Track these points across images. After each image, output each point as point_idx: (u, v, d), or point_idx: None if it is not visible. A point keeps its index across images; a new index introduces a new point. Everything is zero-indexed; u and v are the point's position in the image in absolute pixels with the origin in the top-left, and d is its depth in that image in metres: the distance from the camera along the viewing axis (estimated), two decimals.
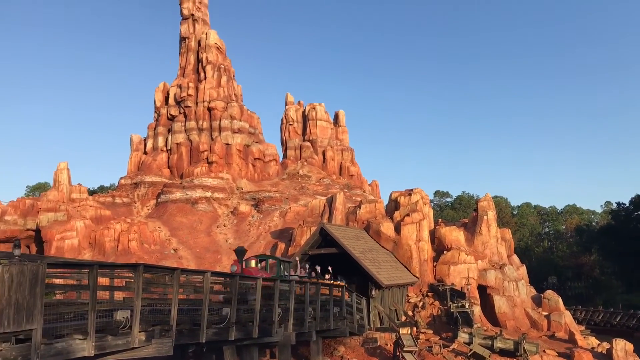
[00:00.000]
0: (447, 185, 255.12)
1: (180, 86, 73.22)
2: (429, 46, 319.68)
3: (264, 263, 29.97)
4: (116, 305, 12.67)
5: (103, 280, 14.17)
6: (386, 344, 30.36)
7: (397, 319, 33.85)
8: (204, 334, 14.99)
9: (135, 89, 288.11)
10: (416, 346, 28.14)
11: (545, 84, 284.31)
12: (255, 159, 73.28)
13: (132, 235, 50.07)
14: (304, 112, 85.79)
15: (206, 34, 75.12)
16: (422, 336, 32.59)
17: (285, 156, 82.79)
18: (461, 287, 37.86)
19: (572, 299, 70.13)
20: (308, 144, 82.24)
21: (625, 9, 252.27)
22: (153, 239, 52.11)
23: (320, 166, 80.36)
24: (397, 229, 40.96)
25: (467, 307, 34.90)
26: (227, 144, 69.92)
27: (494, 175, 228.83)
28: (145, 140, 75.92)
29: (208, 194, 63.09)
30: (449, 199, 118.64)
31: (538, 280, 68.08)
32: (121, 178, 71.91)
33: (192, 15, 76.52)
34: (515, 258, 44.92)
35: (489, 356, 29.73)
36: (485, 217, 43.37)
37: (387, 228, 41.08)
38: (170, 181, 67.20)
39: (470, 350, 29.96)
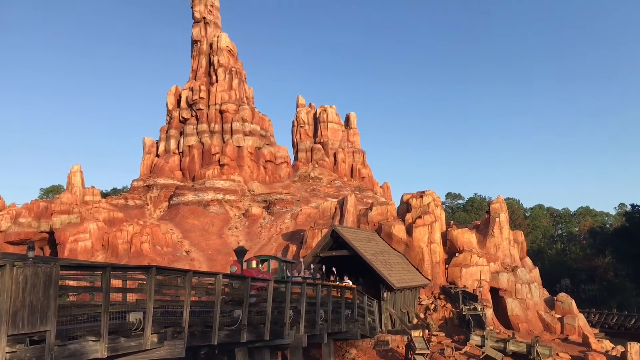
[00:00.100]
0: (459, 187, 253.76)
1: (192, 89, 73.61)
2: (441, 48, 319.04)
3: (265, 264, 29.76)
4: (129, 307, 12.72)
5: (116, 282, 14.22)
6: (398, 347, 30.26)
7: (409, 322, 33.73)
8: (215, 336, 15.01)
9: (148, 92, 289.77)
10: (428, 349, 28.01)
11: (559, 86, 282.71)
12: (266, 161, 73.46)
13: (145, 237, 50.37)
14: (315, 114, 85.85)
15: (218, 37, 75.46)
16: (434, 339, 32.44)
17: (296, 158, 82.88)
18: (473, 290, 37.67)
19: (586, 302, 69.43)
20: (319, 146, 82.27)
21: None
22: (165, 241, 52.38)
23: (332, 168, 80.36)
24: (409, 231, 40.85)
25: (479, 309, 34.72)
26: (239, 147, 70.16)
27: (506, 177, 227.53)
28: (157, 142, 76.39)
29: (220, 196, 63.31)
30: (460, 201, 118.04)
31: (551, 283, 67.51)
32: (134, 180, 72.37)
33: (204, 18, 76.92)
34: (527, 260, 44.62)
35: (502, 359, 29.54)
36: (497, 219, 43.15)
37: (399, 230, 40.99)
38: (182, 183, 67.53)
39: (483, 353, 29.78)
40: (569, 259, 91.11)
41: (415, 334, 28.79)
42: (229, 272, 25.96)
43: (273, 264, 31.34)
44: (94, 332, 10.90)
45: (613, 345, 36.26)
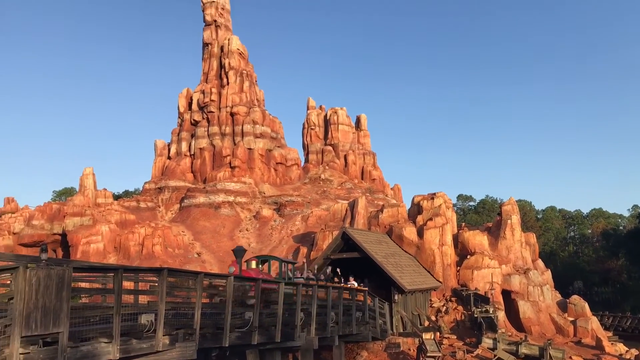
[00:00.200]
0: (471, 189, 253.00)
1: (203, 92, 73.93)
2: (450, 51, 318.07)
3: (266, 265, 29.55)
4: (141, 309, 12.75)
5: (128, 284, 14.29)
6: (409, 349, 30.15)
7: (420, 324, 33.61)
8: (227, 338, 15.02)
9: (159, 95, 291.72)
10: (439, 351, 27.87)
11: (571, 87, 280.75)
12: (277, 163, 73.58)
13: (156, 240, 50.62)
14: (325, 116, 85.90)
15: (228, 39, 75.74)
16: (445, 341, 32.30)
17: (307, 160, 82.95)
18: (485, 292, 37.45)
19: (599, 305, 68.81)
20: (330, 148, 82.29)
21: None
22: (177, 243, 52.60)
23: (342, 170, 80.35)
24: (420, 233, 40.70)
25: (491, 312, 34.52)
26: (250, 149, 70.36)
27: (518, 178, 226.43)
28: (169, 145, 76.79)
29: (231, 199, 63.50)
30: (472, 203, 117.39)
31: (563, 285, 67.05)
32: (145, 183, 72.78)
33: (215, 21, 77.26)
34: (540, 263, 44.29)
35: None
36: (509, 221, 42.88)
37: (410, 232, 40.85)
38: (194, 186, 67.82)
39: (495, 355, 29.61)
40: (581, 262, 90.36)
41: (427, 336, 28.68)
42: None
43: (274, 265, 31.05)
44: (106, 334, 10.96)
45: (627, 349, 35.93)
